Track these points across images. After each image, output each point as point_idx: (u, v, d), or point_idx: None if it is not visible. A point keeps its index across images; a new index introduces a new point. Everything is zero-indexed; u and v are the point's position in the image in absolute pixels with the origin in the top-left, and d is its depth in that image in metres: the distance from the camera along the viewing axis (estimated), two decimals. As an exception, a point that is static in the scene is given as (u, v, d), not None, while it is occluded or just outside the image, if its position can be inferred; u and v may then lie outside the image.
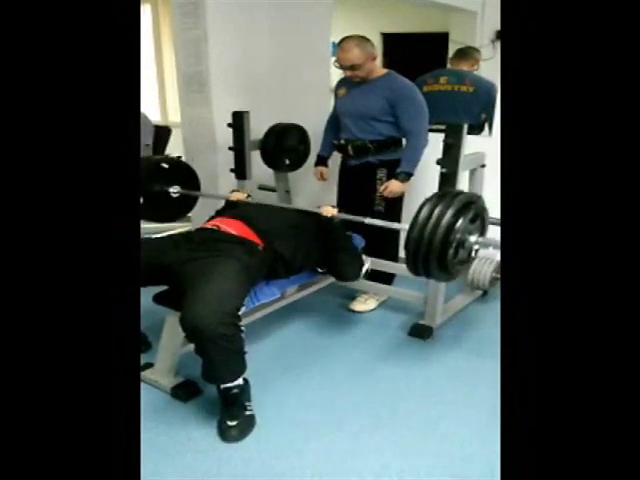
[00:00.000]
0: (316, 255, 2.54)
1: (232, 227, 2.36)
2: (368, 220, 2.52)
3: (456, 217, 1.95)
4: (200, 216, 2.92)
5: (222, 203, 2.89)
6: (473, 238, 2.07)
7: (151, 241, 2.35)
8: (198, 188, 3.16)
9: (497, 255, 2.43)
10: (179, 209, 3.16)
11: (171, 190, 2.99)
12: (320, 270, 2.63)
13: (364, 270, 2.64)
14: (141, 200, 2.75)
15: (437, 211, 1.94)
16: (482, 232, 2.13)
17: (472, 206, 2.02)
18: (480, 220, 2.09)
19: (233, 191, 2.90)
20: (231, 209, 2.69)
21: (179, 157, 3.17)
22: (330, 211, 2.55)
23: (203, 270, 2.05)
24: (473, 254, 2.13)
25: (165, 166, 2.98)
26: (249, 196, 2.85)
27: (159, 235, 2.55)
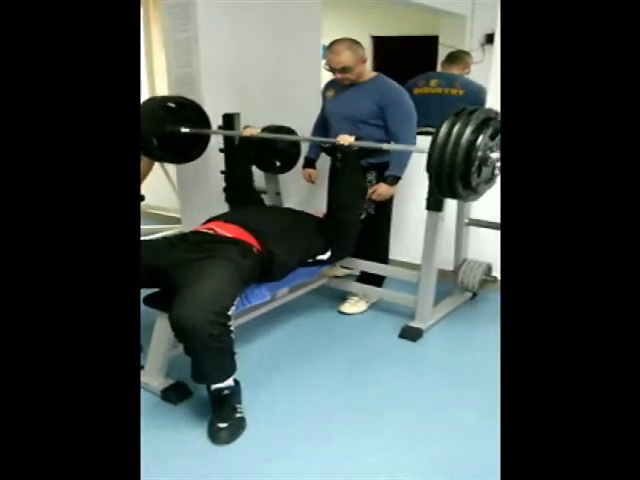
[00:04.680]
0: (313, 250, 2.55)
1: (227, 230, 2.37)
2: (386, 146, 2.55)
3: (476, 134, 1.90)
4: (190, 217, 2.92)
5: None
6: (495, 155, 2.02)
7: (146, 243, 2.34)
8: (209, 126, 3.19)
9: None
10: (192, 148, 3.20)
11: (181, 129, 3.01)
12: (319, 258, 2.62)
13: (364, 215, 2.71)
14: (155, 142, 2.87)
15: (456, 130, 1.89)
16: None
17: (490, 122, 1.96)
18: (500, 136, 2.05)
19: (245, 127, 2.95)
20: (225, 214, 2.70)
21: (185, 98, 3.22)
22: (347, 139, 2.56)
23: (194, 271, 2.05)
24: (496, 171, 2.08)
25: (172, 105, 3.00)
26: (263, 131, 2.94)
27: (154, 236, 2.54)
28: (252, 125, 2.97)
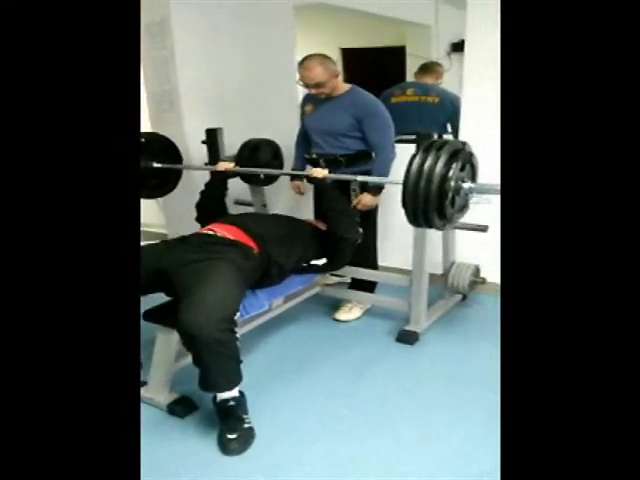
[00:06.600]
0: (309, 255, 2.58)
1: (228, 232, 2.40)
2: (360, 178, 2.58)
3: (447, 167, 1.96)
4: (176, 232, 2.90)
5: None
6: (466, 185, 2.09)
7: (145, 247, 2.35)
8: (180, 161, 3.21)
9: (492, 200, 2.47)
10: (165, 182, 3.22)
11: (153, 165, 3.03)
12: (313, 263, 2.63)
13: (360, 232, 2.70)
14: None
15: (427, 165, 1.96)
16: (473, 177, 2.16)
17: (460, 154, 2.03)
18: (470, 166, 2.12)
19: (220, 161, 2.95)
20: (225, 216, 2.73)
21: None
22: (321, 172, 2.58)
23: (199, 274, 2.07)
24: (469, 200, 2.16)
25: (143, 140, 3.02)
26: (236, 165, 2.92)
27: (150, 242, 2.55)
28: (226, 159, 2.99)
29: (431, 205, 1.98)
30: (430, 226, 2.10)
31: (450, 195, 2.00)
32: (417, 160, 1.99)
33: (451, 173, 1.98)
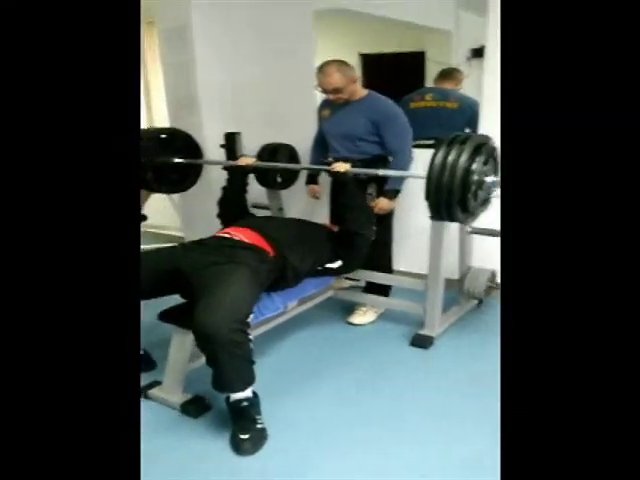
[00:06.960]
0: (324, 258, 2.60)
1: (244, 235, 2.43)
2: (382, 172, 2.59)
3: (470, 161, 1.98)
4: (193, 235, 2.94)
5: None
6: (489, 178, 2.09)
7: (162, 250, 2.40)
8: (201, 155, 3.29)
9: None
10: (186, 177, 3.28)
11: (175, 160, 3.10)
12: (328, 266, 2.64)
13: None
14: (150, 174, 2.95)
15: (451, 158, 1.97)
16: (496, 171, 2.16)
17: (483, 148, 2.03)
18: (493, 160, 2.12)
19: (241, 156, 3.02)
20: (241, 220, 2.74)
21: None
22: (343, 166, 2.60)
23: (216, 277, 2.11)
24: (492, 193, 2.16)
25: (163, 136, 3.09)
26: (257, 161, 3.00)
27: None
28: (247, 155, 3.04)
29: (454, 197, 1.98)
30: (452, 219, 2.10)
31: (473, 188, 2.00)
32: (441, 153, 2.00)
33: (475, 166, 1.98)
